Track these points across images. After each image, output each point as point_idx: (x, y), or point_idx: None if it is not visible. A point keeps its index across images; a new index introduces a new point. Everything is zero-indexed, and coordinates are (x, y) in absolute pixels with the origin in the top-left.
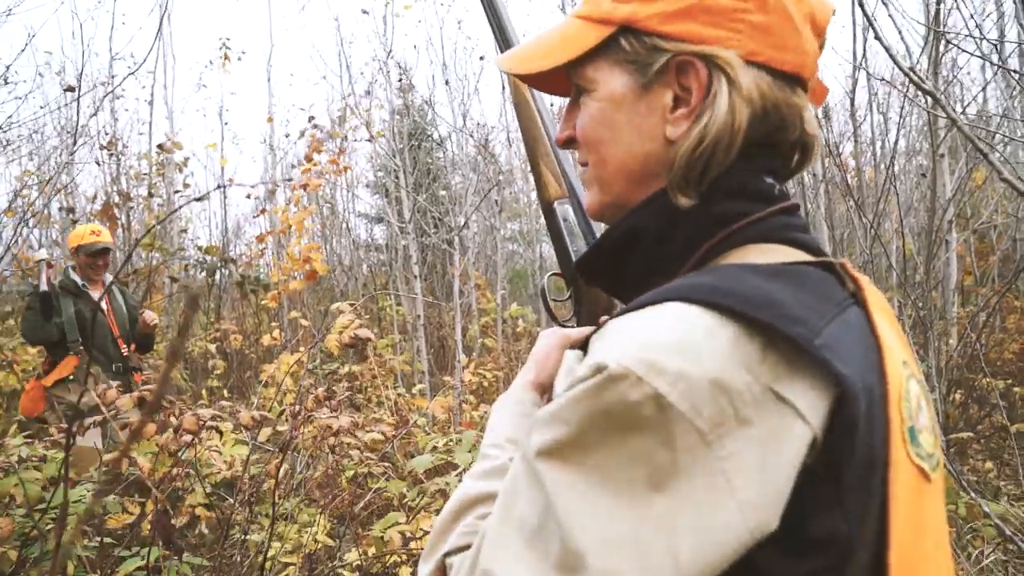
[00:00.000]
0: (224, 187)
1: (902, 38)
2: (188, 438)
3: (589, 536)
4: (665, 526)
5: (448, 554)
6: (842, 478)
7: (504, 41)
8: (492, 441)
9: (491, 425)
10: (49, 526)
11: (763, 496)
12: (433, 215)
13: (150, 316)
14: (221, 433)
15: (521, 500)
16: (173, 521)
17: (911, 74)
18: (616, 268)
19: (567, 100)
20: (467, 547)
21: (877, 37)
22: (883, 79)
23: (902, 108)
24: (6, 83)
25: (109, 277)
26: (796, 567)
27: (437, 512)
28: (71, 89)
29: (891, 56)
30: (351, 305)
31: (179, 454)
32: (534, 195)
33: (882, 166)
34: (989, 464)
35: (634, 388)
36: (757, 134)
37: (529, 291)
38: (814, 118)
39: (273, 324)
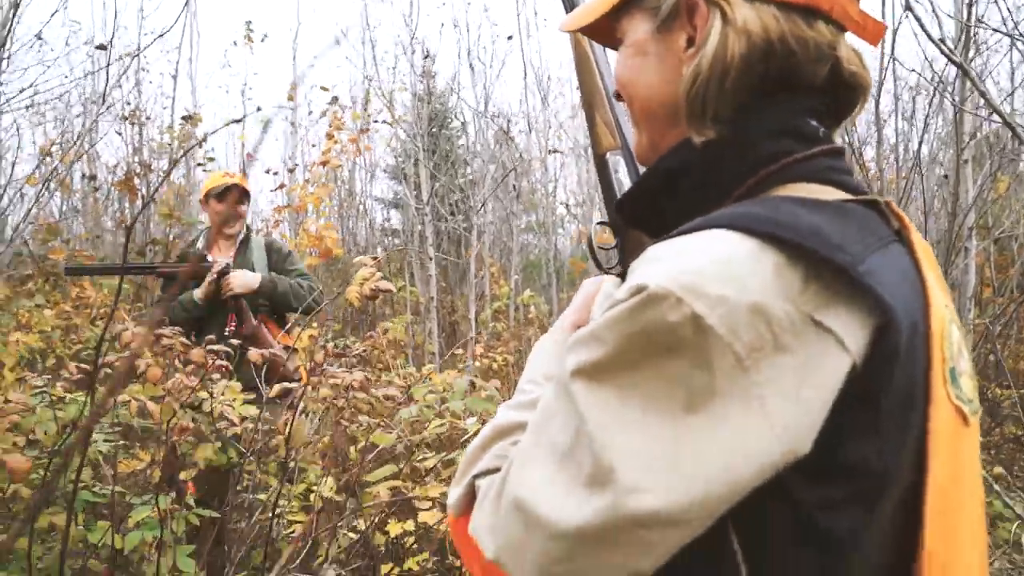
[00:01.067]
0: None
1: (938, 30)
2: (195, 381)
3: (620, 452)
4: (697, 446)
5: (478, 476)
6: (879, 406)
7: (570, 4)
8: (528, 377)
9: (529, 363)
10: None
11: (798, 421)
12: (450, 201)
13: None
14: (232, 375)
15: (554, 423)
16: (183, 473)
17: (941, 46)
18: (657, 209)
19: None
20: (497, 469)
21: (909, 8)
22: (913, 70)
23: (927, 114)
24: (39, 39)
25: (243, 231)
26: (824, 492)
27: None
28: (102, 47)
29: (923, 29)
30: (374, 259)
31: (190, 399)
32: (551, 187)
33: (904, 169)
34: (999, 469)
35: (673, 309)
36: (769, 69)
37: (543, 280)
38: (856, 55)
39: None
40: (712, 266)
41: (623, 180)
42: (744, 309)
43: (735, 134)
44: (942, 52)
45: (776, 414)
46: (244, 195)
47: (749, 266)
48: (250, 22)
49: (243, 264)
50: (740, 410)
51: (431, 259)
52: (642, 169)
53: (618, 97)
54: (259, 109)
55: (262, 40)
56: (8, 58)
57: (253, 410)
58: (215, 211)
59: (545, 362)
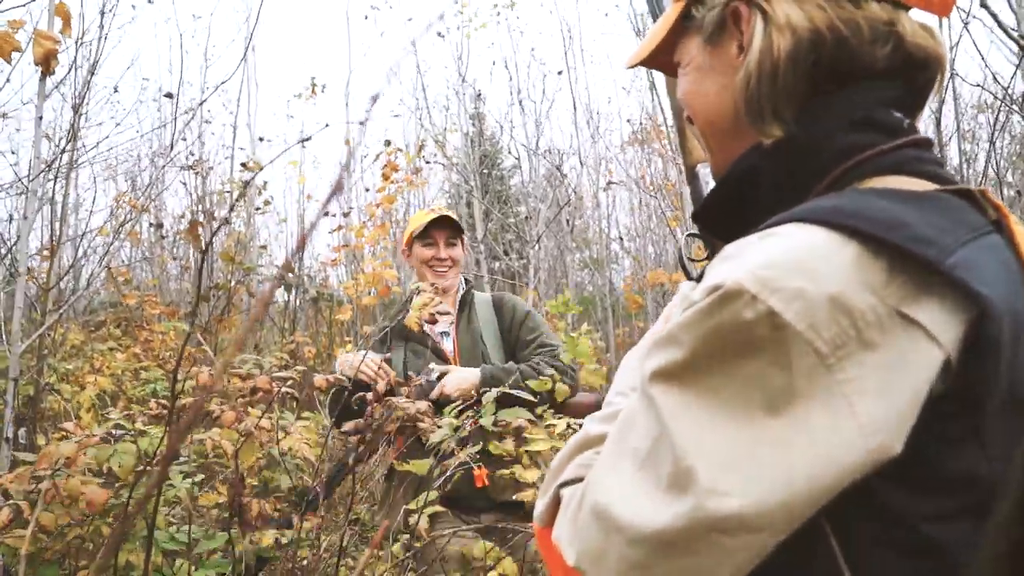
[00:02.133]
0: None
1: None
2: (258, 420)
3: (700, 455)
4: (779, 449)
5: (563, 485)
6: (983, 408)
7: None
8: (616, 390)
9: (616, 377)
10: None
11: (887, 421)
12: (503, 240)
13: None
14: (297, 400)
15: (634, 429)
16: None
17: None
18: (734, 216)
19: None
20: (580, 479)
21: (984, 5)
22: (978, 84)
23: (992, 131)
24: (116, 91)
25: (462, 283)
26: (922, 506)
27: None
28: (169, 95)
29: (999, 23)
30: (432, 285)
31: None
32: (604, 223)
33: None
34: None
35: (748, 307)
36: (822, 59)
37: (597, 316)
38: (923, 28)
39: (347, 339)
40: (787, 260)
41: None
42: (823, 303)
43: (805, 130)
44: (1020, 46)
45: (863, 415)
46: (456, 231)
47: (827, 258)
48: (314, 77)
49: (467, 333)
50: (823, 411)
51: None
52: None
53: (689, 121)
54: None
55: (322, 90)
56: (85, 114)
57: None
58: (422, 261)
59: (631, 375)
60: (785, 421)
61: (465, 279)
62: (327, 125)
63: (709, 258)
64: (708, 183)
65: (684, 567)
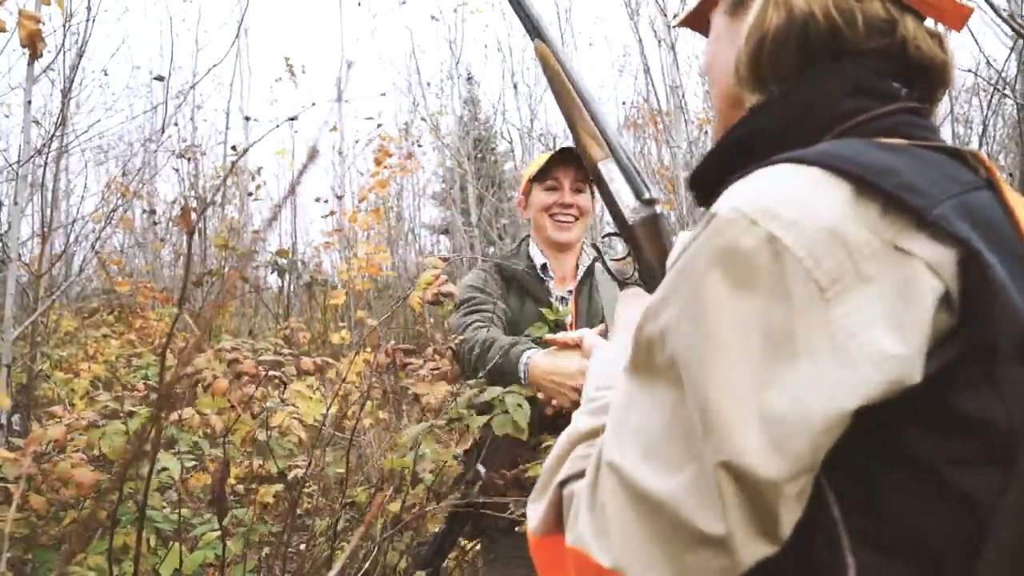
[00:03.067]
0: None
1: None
2: (251, 388)
3: (715, 415)
4: (789, 394)
5: (563, 483)
6: (995, 354)
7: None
8: (597, 384)
9: (594, 372)
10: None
11: (900, 349)
12: (498, 225)
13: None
14: (285, 384)
15: (640, 402)
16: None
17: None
18: (729, 180)
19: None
20: (581, 473)
21: None
22: (970, 70)
23: (985, 115)
24: (105, 74)
25: (587, 249)
26: (944, 447)
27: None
28: (160, 78)
29: (992, 7)
30: (443, 259)
31: (256, 412)
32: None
33: None
34: None
35: (746, 232)
36: (811, 40)
37: None
38: (928, 34)
39: (340, 324)
40: (783, 192)
41: (619, 188)
42: (822, 233)
43: (798, 97)
44: (1013, 29)
45: (869, 346)
46: (585, 173)
47: (821, 194)
48: (288, 58)
49: (587, 313)
50: (829, 347)
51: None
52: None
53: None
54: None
55: (303, 72)
56: (76, 99)
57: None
58: (541, 208)
59: (614, 363)
60: (790, 363)
61: (595, 246)
62: (313, 104)
63: (631, 256)
64: (612, 179)
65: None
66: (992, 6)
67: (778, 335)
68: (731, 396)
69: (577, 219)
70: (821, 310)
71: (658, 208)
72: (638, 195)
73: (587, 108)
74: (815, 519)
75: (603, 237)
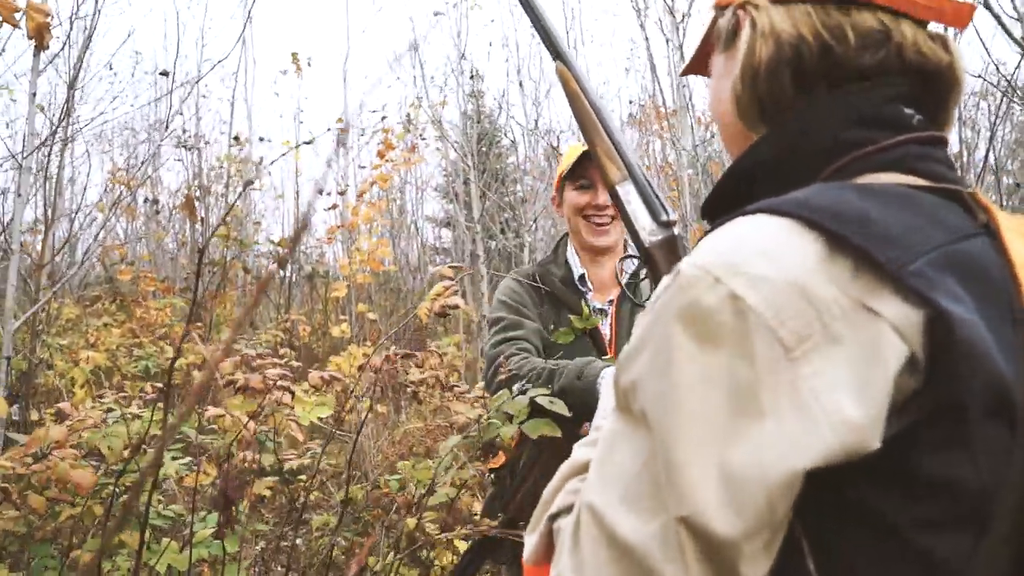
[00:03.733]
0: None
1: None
2: (270, 396)
3: (678, 471)
4: (750, 451)
5: (553, 517)
6: (965, 415)
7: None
8: (601, 413)
9: (602, 400)
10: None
11: (861, 414)
12: (500, 219)
13: None
14: (292, 394)
15: (617, 448)
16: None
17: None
18: (735, 209)
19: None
20: (570, 507)
21: (987, 6)
22: (979, 75)
23: (994, 120)
24: (110, 68)
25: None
26: (911, 510)
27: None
28: (165, 73)
29: (1001, 24)
30: (452, 268)
31: (258, 414)
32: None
33: (968, 178)
34: None
35: (710, 290)
36: (804, 65)
37: None
38: (929, 37)
39: (341, 318)
40: (751, 247)
41: (637, 210)
42: (789, 290)
43: (797, 129)
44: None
45: (833, 410)
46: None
47: (791, 248)
48: (296, 53)
49: (629, 321)
50: (792, 406)
51: (483, 277)
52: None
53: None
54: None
55: (308, 65)
56: (80, 88)
57: (327, 410)
58: (575, 209)
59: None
60: (752, 422)
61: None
62: (327, 129)
63: (648, 277)
64: (629, 201)
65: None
66: (994, 15)
67: (742, 392)
68: (692, 451)
69: (615, 218)
70: (786, 369)
71: (675, 230)
72: (655, 217)
73: (606, 128)
74: (790, 568)
75: (622, 259)
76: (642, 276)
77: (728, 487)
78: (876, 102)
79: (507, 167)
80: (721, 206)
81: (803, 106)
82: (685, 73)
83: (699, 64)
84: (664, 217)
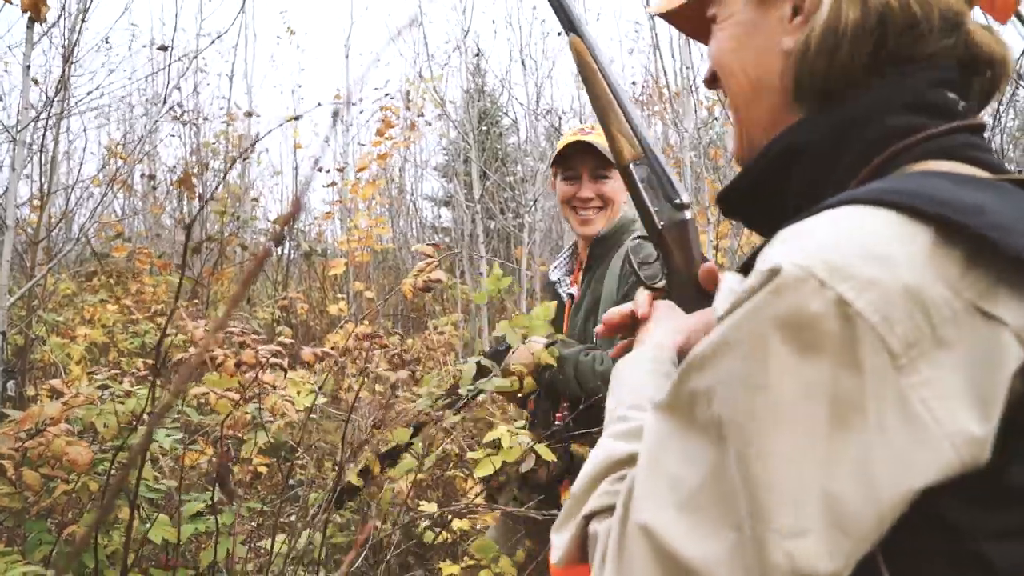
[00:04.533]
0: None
1: None
2: (251, 374)
3: (767, 490)
4: (858, 471)
5: (589, 516)
6: None
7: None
8: (631, 402)
9: (624, 385)
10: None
11: (979, 428)
12: (500, 199)
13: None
14: (285, 371)
15: (672, 453)
16: (235, 470)
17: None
18: (765, 200)
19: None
20: (609, 508)
21: None
22: None
23: (998, 107)
24: (106, 42)
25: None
26: (988, 518)
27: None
28: (164, 48)
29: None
30: (433, 245)
31: (248, 394)
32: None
33: None
34: None
35: (814, 295)
36: (886, 39)
37: None
38: (981, 29)
39: (339, 296)
40: (856, 244)
41: (649, 190)
42: (899, 294)
43: (854, 109)
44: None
45: (947, 421)
46: (604, 161)
47: (900, 245)
48: (284, 11)
49: (589, 296)
50: (901, 418)
51: (482, 257)
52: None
53: (709, 84)
54: (319, 104)
55: (305, 33)
56: (76, 62)
57: (321, 399)
58: (563, 199)
59: (648, 383)
60: (858, 435)
61: (633, 247)
62: (319, 104)
63: (659, 260)
64: (642, 180)
65: None
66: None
67: (846, 406)
68: (789, 470)
69: (601, 209)
70: (893, 379)
71: (688, 214)
72: (669, 199)
73: (621, 106)
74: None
75: (633, 239)
76: (616, 261)
77: (833, 509)
78: (928, 85)
79: (508, 147)
80: (751, 193)
81: (867, 85)
82: (660, 13)
83: (686, 12)
84: (678, 199)
